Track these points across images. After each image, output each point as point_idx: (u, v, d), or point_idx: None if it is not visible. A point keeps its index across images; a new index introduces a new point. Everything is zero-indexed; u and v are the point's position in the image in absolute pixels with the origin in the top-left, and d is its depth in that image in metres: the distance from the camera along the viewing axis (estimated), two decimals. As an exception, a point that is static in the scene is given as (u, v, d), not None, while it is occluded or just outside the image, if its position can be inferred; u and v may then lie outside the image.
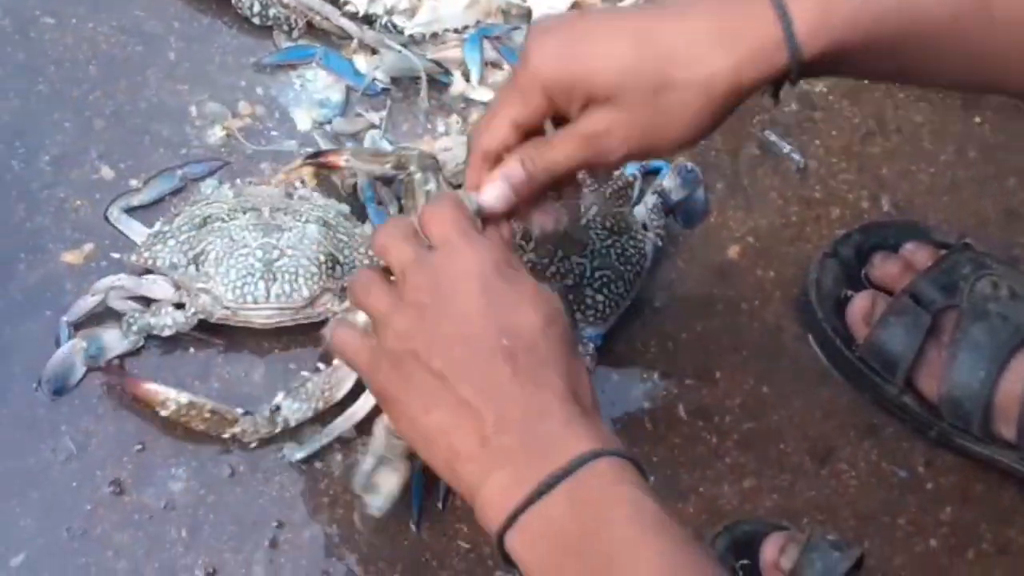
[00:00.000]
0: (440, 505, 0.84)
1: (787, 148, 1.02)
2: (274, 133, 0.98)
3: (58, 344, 0.86)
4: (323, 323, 0.89)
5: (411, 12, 1.02)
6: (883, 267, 0.94)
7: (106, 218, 0.91)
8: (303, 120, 0.99)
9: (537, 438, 0.63)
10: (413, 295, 0.66)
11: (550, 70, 0.68)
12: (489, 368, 0.64)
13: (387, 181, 0.93)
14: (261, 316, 0.88)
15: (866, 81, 1.03)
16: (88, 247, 0.91)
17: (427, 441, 0.65)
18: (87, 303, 0.87)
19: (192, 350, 0.88)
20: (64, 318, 0.87)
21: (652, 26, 0.68)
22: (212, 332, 0.88)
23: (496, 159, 0.71)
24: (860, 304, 0.92)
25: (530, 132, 0.71)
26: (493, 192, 0.70)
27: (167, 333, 0.87)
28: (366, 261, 0.90)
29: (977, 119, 1.06)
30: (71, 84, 0.97)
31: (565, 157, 0.70)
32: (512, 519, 0.62)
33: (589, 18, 0.71)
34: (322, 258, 0.89)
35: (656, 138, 0.69)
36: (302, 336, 0.89)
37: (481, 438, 0.63)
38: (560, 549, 0.61)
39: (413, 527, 0.83)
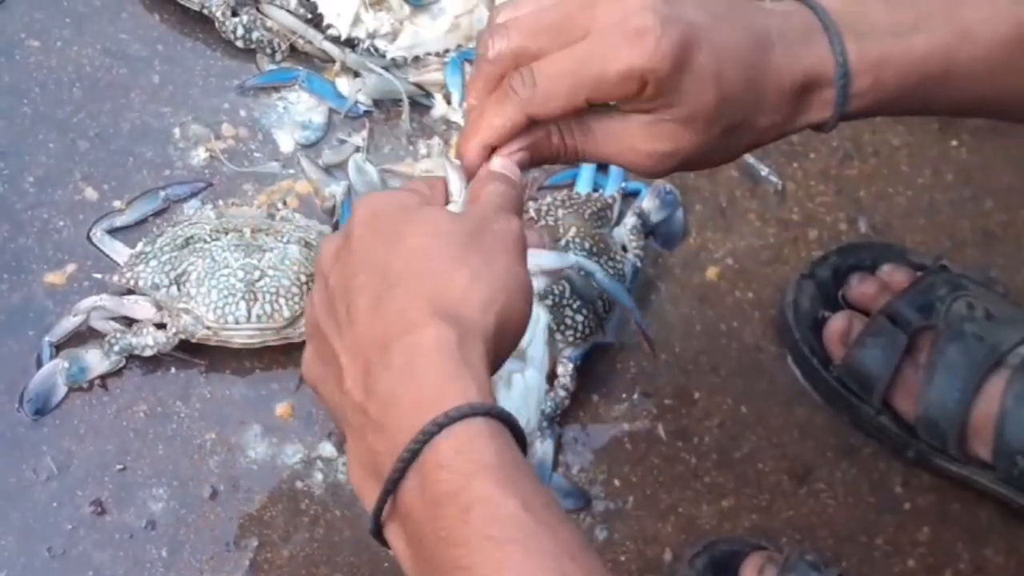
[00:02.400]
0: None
1: (765, 171, 1.05)
2: (257, 155, 1.01)
3: (40, 364, 0.88)
4: (304, 344, 0.91)
5: (393, 36, 1.04)
6: (860, 288, 0.96)
7: (89, 239, 0.94)
8: (286, 142, 1.02)
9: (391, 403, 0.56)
10: (349, 248, 0.60)
11: (662, 64, 0.62)
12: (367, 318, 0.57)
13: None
14: (242, 336, 0.90)
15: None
16: (71, 267, 0.93)
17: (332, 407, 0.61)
18: (69, 323, 0.89)
19: (174, 370, 0.90)
20: (46, 338, 0.89)
21: (757, 59, 0.65)
22: (193, 352, 0.90)
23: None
24: (837, 325, 0.94)
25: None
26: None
27: (148, 353, 0.89)
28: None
29: (954, 142, 1.09)
30: (56, 106, 0.99)
31: (599, 159, 0.68)
32: (378, 513, 0.56)
33: (699, 12, 0.64)
34: (303, 278, 0.91)
35: (699, 162, 0.68)
36: (283, 356, 0.91)
37: (354, 403, 0.57)
38: (420, 557, 0.55)
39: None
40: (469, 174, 0.66)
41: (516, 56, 0.63)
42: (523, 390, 0.89)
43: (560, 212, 0.98)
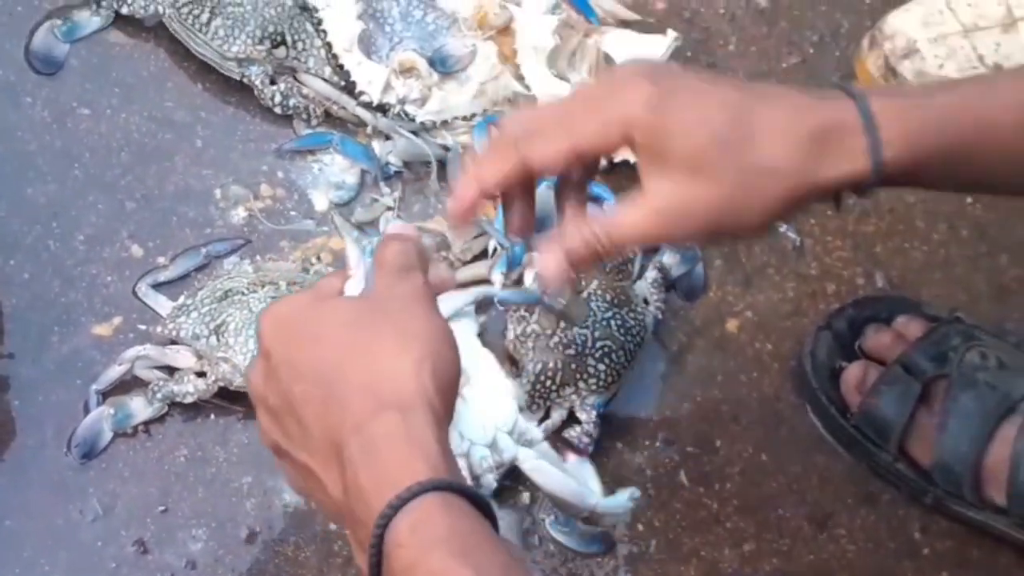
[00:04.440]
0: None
1: (784, 227, 1.11)
2: (293, 213, 1.08)
3: (88, 411, 0.95)
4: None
5: (422, 101, 1.12)
6: (876, 338, 1.02)
7: (134, 293, 1.01)
8: (320, 201, 1.09)
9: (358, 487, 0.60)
10: (271, 366, 0.65)
11: (643, 111, 0.67)
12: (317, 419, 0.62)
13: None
14: (279, 385, 0.96)
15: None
16: (117, 320, 1.00)
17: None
18: (115, 372, 0.96)
19: (213, 416, 0.97)
20: (94, 386, 0.95)
21: (748, 104, 0.68)
22: (232, 399, 0.97)
23: (527, 178, 0.70)
24: (853, 373, 0.99)
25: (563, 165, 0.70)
26: (551, 264, 0.70)
27: (189, 400, 0.96)
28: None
29: (969, 199, 1.14)
30: (105, 169, 1.07)
31: (638, 234, 0.69)
32: None
33: (685, 76, 0.70)
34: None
35: (732, 221, 0.68)
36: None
37: (339, 503, 0.62)
38: None
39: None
40: (459, 218, 0.71)
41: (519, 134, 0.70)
42: (474, 407, 0.94)
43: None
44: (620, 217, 0.70)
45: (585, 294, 1.01)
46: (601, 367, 0.98)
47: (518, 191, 0.73)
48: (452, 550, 0.57)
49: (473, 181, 0.70)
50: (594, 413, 0.97)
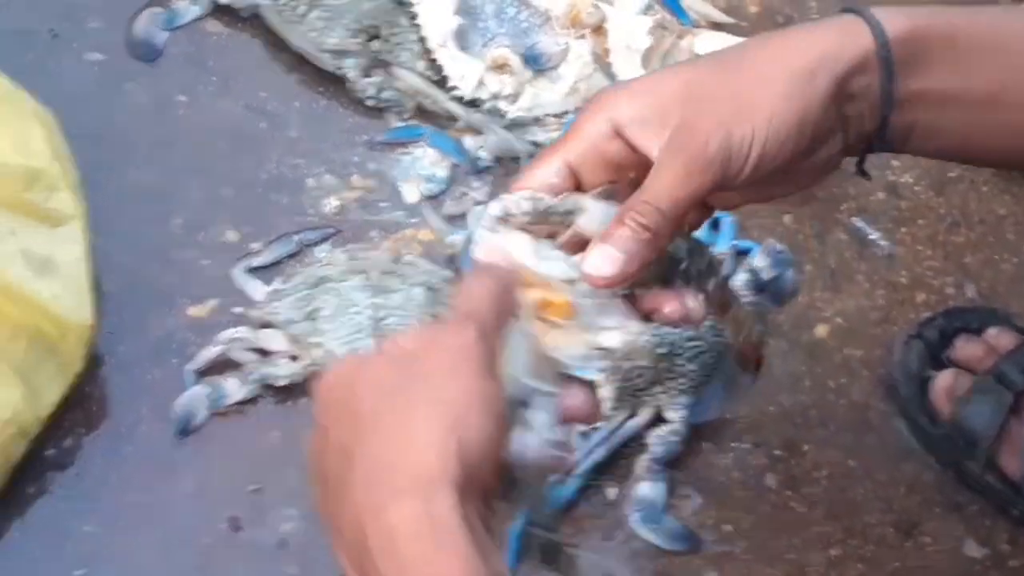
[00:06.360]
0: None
1: (874, 235, 1.13)
2: (384, 204, 1.11)
3: (183, 390, 0.98)
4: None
5: (514, 97, 1.15)
6: (966, 349, 1.03)
7: (229, 277, 1.05)
8: (411, 193, 1.13)
9: None
10: (319, 432, 0.60)
11: (624, 99, 0.68)
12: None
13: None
14: (370, 371, 1.00)
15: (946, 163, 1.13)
16: (212, 303, 1.04)
17: None
18: (210, 353, 1.00)
19: (305, 400, 1.00)
20: (189, 366, 0.99)
21: (737, 51, 0.71)
22: (324, 385, 1.00)
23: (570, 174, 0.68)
24: (944, 381, 1.01)
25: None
26: (599, 260, 0.65)
27: (282, 383, 0.99)
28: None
29: (1060, 214, 1.16)
30: (202, 156, 1.11)
31: (671, 192, 0.65)
32: None
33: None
34: (427, 320, 1.01)
35: (745, 139, 0.66)
36: (407, 393, 1.01)
37: None
38: None
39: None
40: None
41: None
42: None
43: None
44: (647, 184, 0.66)
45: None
46: (691, 367, 1.00)
47: None
48: None
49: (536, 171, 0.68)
50: (683, 412, 0.99)
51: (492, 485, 0.57)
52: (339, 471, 0.57)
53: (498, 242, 0.67)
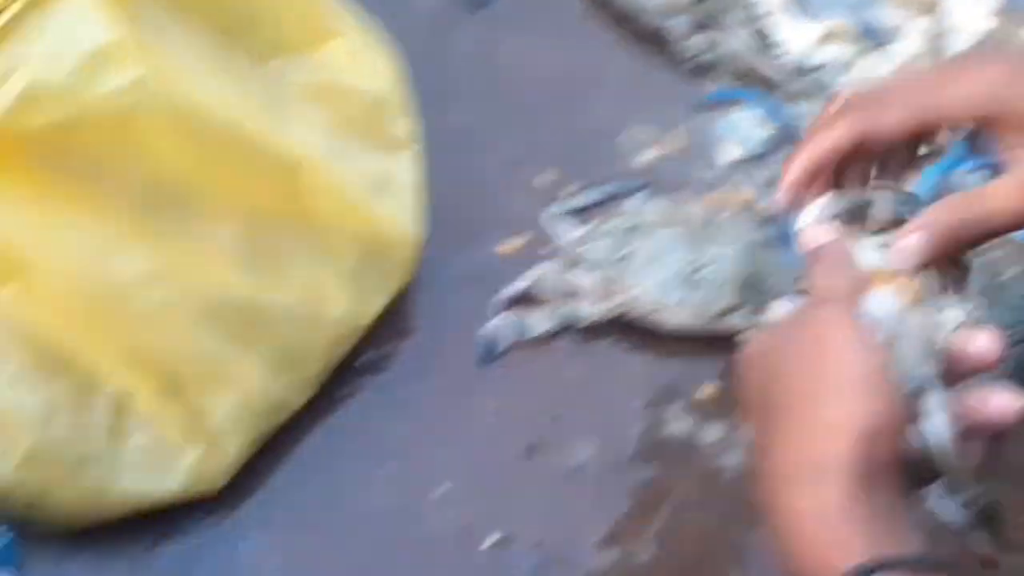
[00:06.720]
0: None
1: None
2: (698, 163, 1.11)
3: (489, 320, 1.01)
4: (726, 338, 0.99)
5: (845, 68, 1.13)
6: None
7: (541, 217, 1.07)
8: (726, 154, 1.12)
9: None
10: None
11: (1003, 87, 0.66)
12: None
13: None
14: (675, 320, 0.99)
15: None
16: (522, 240, 1.06)
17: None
18: (519, 286, 1.02)
19: (607, 341, 1.01)
20: (497, 297, 1.01)
21: None
22: (626, 329, 1.00)
23: (863, 152, 0.69)
24: None
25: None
26: (913, 239, 0.67)
27: (585, 323, 1.00)
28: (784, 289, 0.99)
29: None
30: (522, 102, 1.14)
31: (1008, 205, 0.66)
32: None
33: None
34: (740, 278, 0.99)
35: None
36: (707, 346, 1.00)
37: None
38: None
39: None
40: (787, 192, 0.70)
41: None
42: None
43: (998, 252, 1.01)
44: (991, 189, 0.67)
45: (1005, 277, 0.98)
46: (1016, 351, 0.95)
47: (857, 172, 0.71)
48: None
49: (805, 153, 0.69)
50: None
51: (896, 471, 0.59)
52: (760, 441, 0.62)
53: (831, 235, 0.69)
